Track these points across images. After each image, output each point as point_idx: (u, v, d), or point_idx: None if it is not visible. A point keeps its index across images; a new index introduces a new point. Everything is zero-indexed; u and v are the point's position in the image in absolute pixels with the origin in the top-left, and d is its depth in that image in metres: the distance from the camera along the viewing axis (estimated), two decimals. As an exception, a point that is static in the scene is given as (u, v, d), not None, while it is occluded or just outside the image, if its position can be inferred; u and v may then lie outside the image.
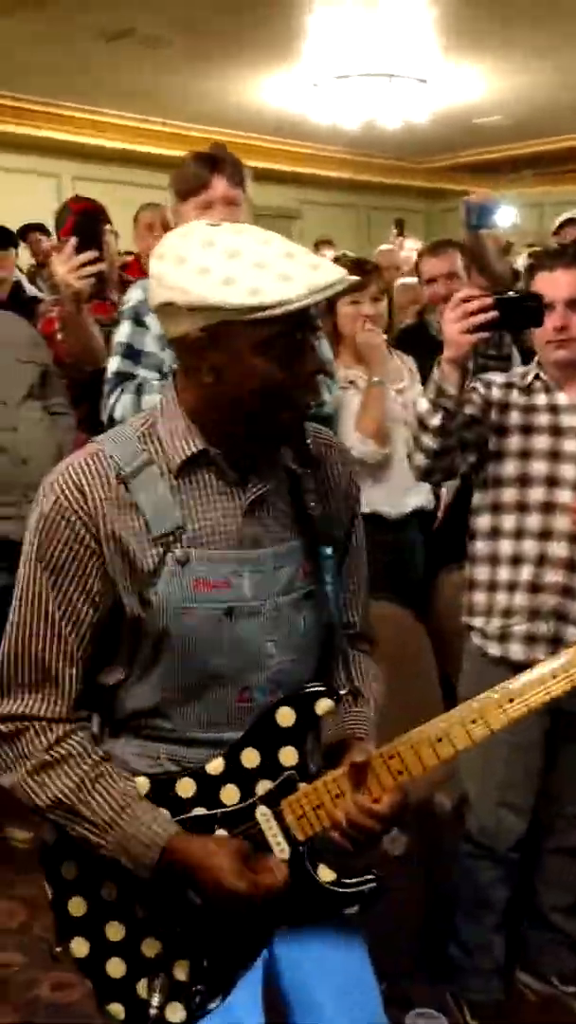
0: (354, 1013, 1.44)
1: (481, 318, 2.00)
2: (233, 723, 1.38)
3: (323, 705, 1.37)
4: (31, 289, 5.41)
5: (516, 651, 2.21)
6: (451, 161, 11.95)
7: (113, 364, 2.54)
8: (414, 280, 4.63)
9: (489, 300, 2.00)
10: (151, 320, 2.50)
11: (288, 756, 1.37)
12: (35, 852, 1.50)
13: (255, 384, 1.28)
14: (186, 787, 1.37)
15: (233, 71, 8.00)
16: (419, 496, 3.20)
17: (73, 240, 2.60)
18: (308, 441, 1.45)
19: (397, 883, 2.45)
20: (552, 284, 2.17)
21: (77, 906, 1.41)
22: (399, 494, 3.12)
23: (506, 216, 3.64)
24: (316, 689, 1.38)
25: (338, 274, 1.25)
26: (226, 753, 1.37)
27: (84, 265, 2.58)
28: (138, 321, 2.53)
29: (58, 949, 1.44)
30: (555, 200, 9.80)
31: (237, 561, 1.35)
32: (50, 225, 7.00)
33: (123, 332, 2.55)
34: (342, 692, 1.41)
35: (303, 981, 1.45)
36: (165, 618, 1.32)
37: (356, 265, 3.18)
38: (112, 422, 2.51)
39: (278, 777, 1.37)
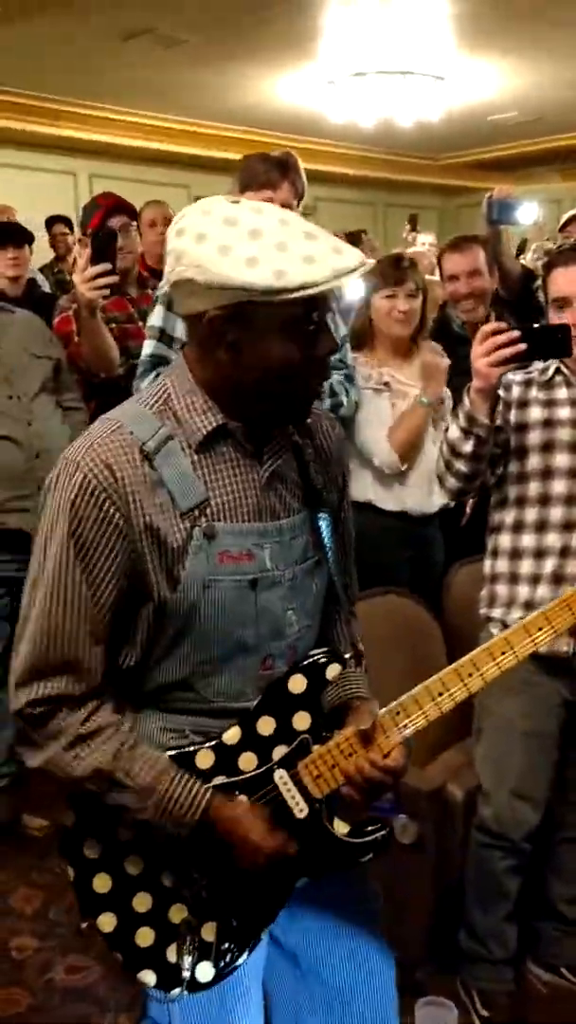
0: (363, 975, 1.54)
1: (510, 351, 2.02)
2: (256, 691, 1.43)
3: (332, 670, 1.45)
4: (45, 285, 5.45)
5: None
6: (466, 158, 11.93)
7: (148, 347, 2.64)
8: (434, 278, 4.65)
9: (516, 333, 2.02)
10: None
11: (301, 720, 1.44)
12: (50, 839, 1.53)
13: (272, 364, 1.29)
14: (205, 758, 1.42)
15: (249, 69, 8.02)
16: (442, 495, 3.22)
17: (87, 252, 2.68)
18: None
19: (407, 872, 2.48)
20: (568, 279, 2.17)
21: (102, 883, 1.44)
22: (426, 493, 3.15)
23: (528, 213, 3.62)
24: (324, 656, 1.46)
25: (360, 258, 1.26)
26: (242, 722, 1.42)
27: (98, 276, 2.66)
28: (171, 306, 2.58)
29: (84, 925, 1.47)
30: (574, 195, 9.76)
31: (258, 533, 1.38)
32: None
33: (157, 316, 2.64)
34: (347, 656, 1.49)
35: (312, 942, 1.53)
36: (193, 592, 1.34)
37: (392, 261, 3.19)
38: None
39: (293, 741, 1.43)
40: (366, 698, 1.48)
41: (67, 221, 7.00)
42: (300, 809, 1.43)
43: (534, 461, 2.24)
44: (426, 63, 7.69)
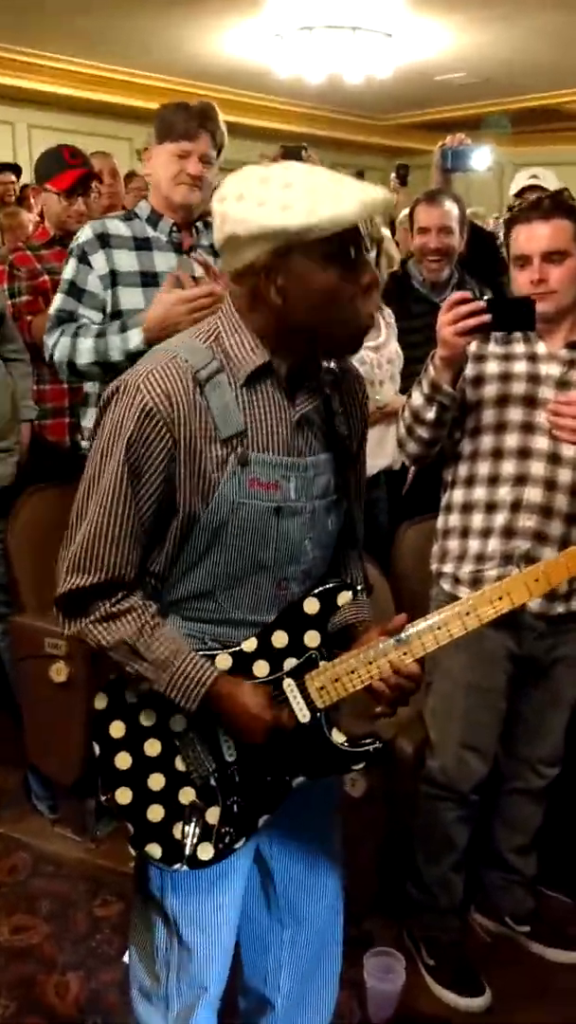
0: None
1: (475, 322, 2.03)
2: (271, 608, 1.59)
3: (344, 596, 1.61)
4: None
5: None
6: (413, 119, 11.84)
7: (57, 301, 2.60)
8: (385, 234, 4.60)
9: (482, 304, 2.03)
10: (96, 258, 2.52)
11: (312, 639, 1.60)
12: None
13: (321, 298, 1.41)
14: (223, 661, 1.58)
15: (195, 19, 7.83)
16: (384, 458, 3.21)
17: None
18: (332, 367, 1.62)
19: (357, 824, 2.49)
20: (529, 237, 2.16)
21: (123, 761, 1.60)
22: (368, 456, 3.12)
23: (482, 159, 3.59)
24: (337, 584, 1.61)
25: (383, 192, 1.39)
26: (259, 634, 1.59)
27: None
28: (83, 259, 2.55)
29: (104, 798, 1.63)
30: (518, 161, 9.76)
31: (286, 466, 1.53)
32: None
33: (69, 269, 2.58)
34: (359, 587, 1.65)
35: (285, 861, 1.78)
36: (223, 512, 1.49)
37: None
38: (52, 362, 2.53)
39: (303, 655, 1.59)
40: (369, 621, 1.66)
41: (14, 168, 6.83)
42: (303, 714, 1.58)
43: (488, 415, 2.23)
44: (375, 19, 7.59)
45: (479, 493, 2.25)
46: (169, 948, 1.70)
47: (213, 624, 1.58)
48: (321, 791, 1.73)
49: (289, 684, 1.58)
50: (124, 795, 1.61)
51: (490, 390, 2.23)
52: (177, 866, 1.59)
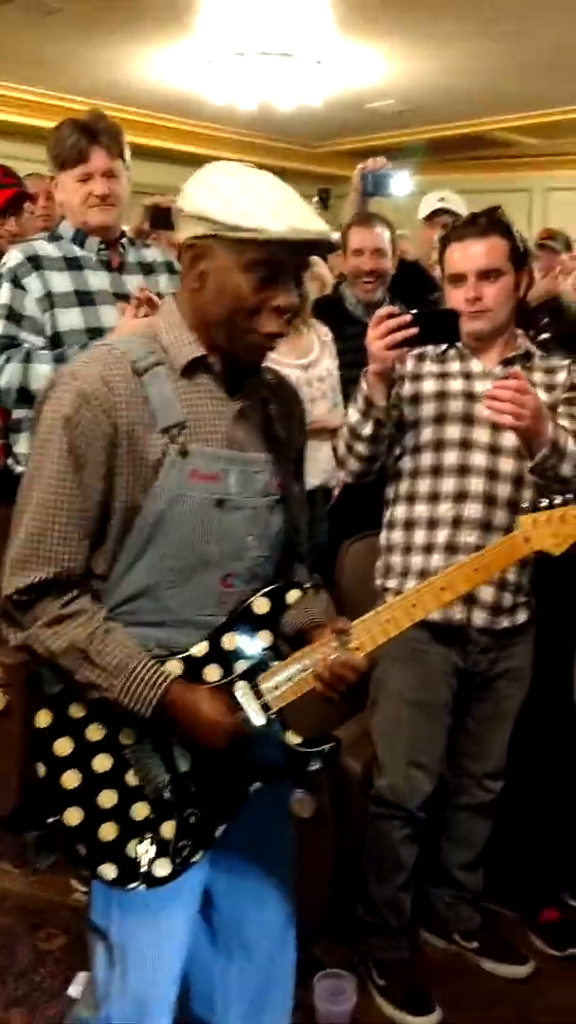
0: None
1: (402, 335, 2.05)
2: (216, 607, 1.57)
3: (293, 595, 1.61)
4: None
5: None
6: (343, 146, 11.98)
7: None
8: (313, 258, 4.64)
9: (408, 318, 2.05)
10: (30, 281, 2.49)
11: (262, 639, 1.59)
12: None
13: (228, 297, 1.45)
14: (174, 667, 1.55)
15: (124, 42, 7.83)
16: (317, 476, 3.22)
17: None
18: (270, 377, 1.68)
19: (306, 846, 2.47)
20: (463, 255, 2.20)
21: (71, 778, 1.55)
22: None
23: (402, 185, 3.63)
24: (286, 583, 1.62)
25: (323, 229, 1.43)
26: (209, 637, 1.57)
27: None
28: (16, 283, 2.51)
29: (49, 820, 1.57)
30: (445, 187, 9.93)
31: (227, 459, 1.54)
32: None
33: (3, 294, 2.52)
34: (307, 586, 1.64)
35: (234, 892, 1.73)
36: (163, 503, 1.49)
37: None
38: None
39: (254, 657, 1.58)
40: (320, 619, 1.66)
41: None
42: (258, 717, 1.56)
43: (427, 433, 2.25)
44: (306, 46, 7.66)
45: (420, 510, 2.26)
46: (110, 980, 1.63)
47: (157, 627, 1.55)
48: (270, 820, 1.71)
49: (242, 687, 1.57)
50: (74, 815, 1.54)
51: (428, 408, 2.25)
52: (133, 885, 1.53)
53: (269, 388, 1.65)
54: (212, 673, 1.57)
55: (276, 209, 1.40)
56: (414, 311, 2.10)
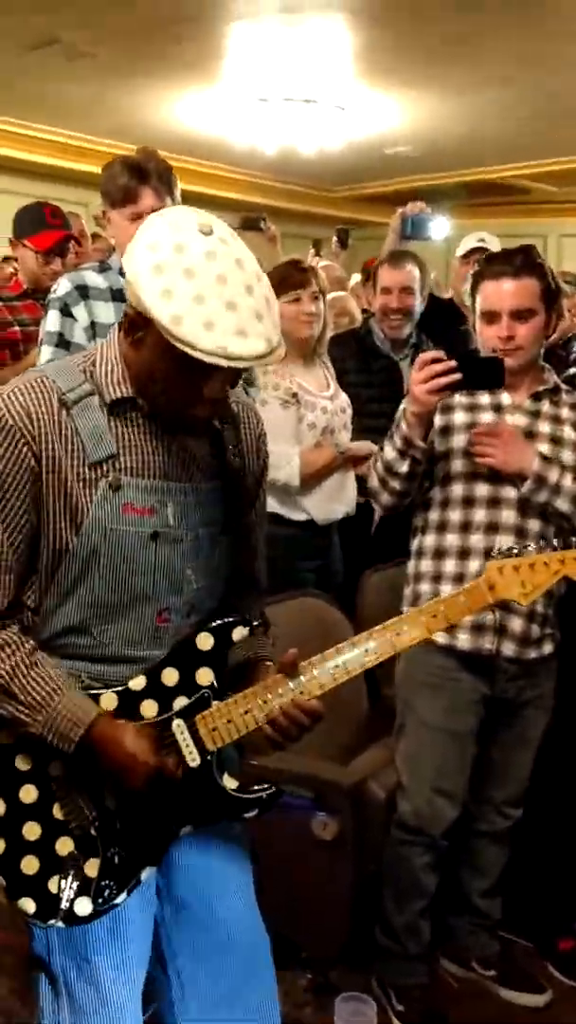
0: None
1: (446, 380, 2.09)
2: (151, 642, 1.52)
3: (239, 632, 1.55)
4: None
5: (463, 640, 2.28)
6: (362, 191, 12.19)
7: (46, 353, 2.57)
8: (342, 293, 4.75)
9: (453, 363, 2.09)
10: (79, 311, 2.54)
11: (204, 676, 1.53)
12: None
13: (159, 377, 1.41)
14: (109, 701, 1.51)
15: (153, 88, 8.01)
16: (344, 504, 3.27)
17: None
18: (232, 401, 1.57)
19: (326, 870, 2.50)
20: (498, 294, 2.24)
21: None
22: (328, 502, 3.21)
23: (439, 229, 3.75)
24: (232, 619, 1.55)
25: (255, 351, 1.33)
26: (148, 671, 1.52)
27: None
28: (66, 312, 2.56)
29: None
30: (466, 234, 10.07)
31: (163, 491, 1.48)
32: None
33: (52, 321, 2.58)
34: (255, 623, 1.59)
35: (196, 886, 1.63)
36: (95, 538, 1.44)
37: (292, 265, 3.23)
38: None
39: (194, 694, 1.53)
40: (268, 659, 1.62)
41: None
42: (192, 758, 1.51)
43: (458, 464, 2.30)
44: (329, 93, 7.85)
45: (451, 539, 2.30)
46: (57, 1010, 1.57)
47: (89, 661, 1.51)
48: (223, 840, 1.64)
49: (179, 725, 1.51)
50: None
51: (458, 440, 2.30)
52: (52, 922, 1.48)
53: (225, 415, 1.57)
54: (149, 708, 1.51)
55: (212, 319, 1.30)
56: (459, 356, 2.13)
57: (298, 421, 3.13)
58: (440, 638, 2.26)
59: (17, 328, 3.44)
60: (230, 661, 1.57)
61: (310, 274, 3.16)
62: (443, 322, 3.73)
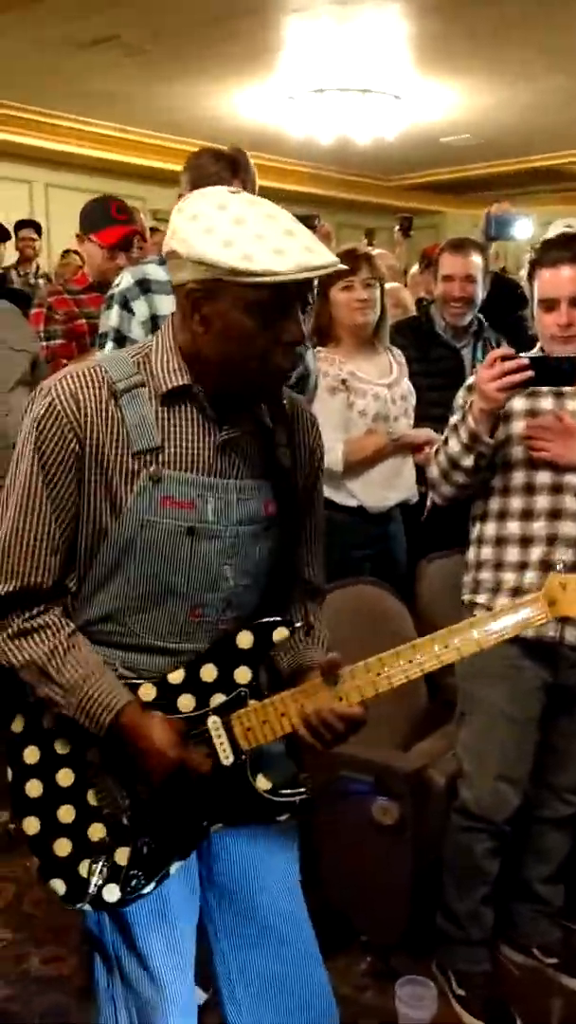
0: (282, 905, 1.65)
1: (518, 378, 2.09)
2: (185, 636, 1.52)
3: (279, 633, 1.53)
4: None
5: None
6: (418, 179, 12.14)
7: (107, 349, 2.59)
8: (395, 284, 4.74)
9: (525, 361, 2.09)
10: (138, 305, 2.56)
11: (242, 675, 1.53)
12: (19, 832, 1.59)
13: (235, 340, 1.39)
14: (147, 691, 1.51)
15: (209, 82, 8.07)
16: (400, 491, 3.26)
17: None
18: (284, 401, 1.58)
19: (386, 855, 2.51)
20: (556, 281, 2.22)
21: (34, 788, 1.54)
22: (380, 489, 3.20)
23: (523, 229, 3.75)
24: (274, 619, 1.53)
25: (329, 259, 1.35)
26: (187, 665, 1.52)
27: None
28: (125, 306, 2.58)
29: (11, 826, 1.54)
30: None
31: (204, 487, 1.48)
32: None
33: (112, 318, 2.60)
34: (297, 625, 1.58)
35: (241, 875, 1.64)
36: (131, 529, 1.45)
37: (346, 253, 3.22)
38: None
39: (231, 692, 1.52)
40: (310, 663, 1.59)
41: (36, 226, 7.04)
42: (226, 756, 1.51)
43: (518, 451, 2.29)
44: (384, 82, 7.83)
45: (512, 527, 2.30)
46: (111, 985, 1.62)
47: (122, 650, 1.52)
48: (268, 831, 1.63)
49: (215, 722, 1.51)
50: (31, 825, 1.53)
51: (518, 426, 2.29)
52: (79, 905, 1.52)
53: (278, 415, 1.57)
54: (186, 703, 1.51)
55: (279, 246, 1.33)
56: (531, 356, 2.12)
57: (347, 408, 3.12)
58: (502, 625, 2.25)
59: (83, 321, 3.47)
60: (280, 667, 1.59)
61: (362, 261, 3.14)
62: (505, 307, 3.71)
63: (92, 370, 1.46)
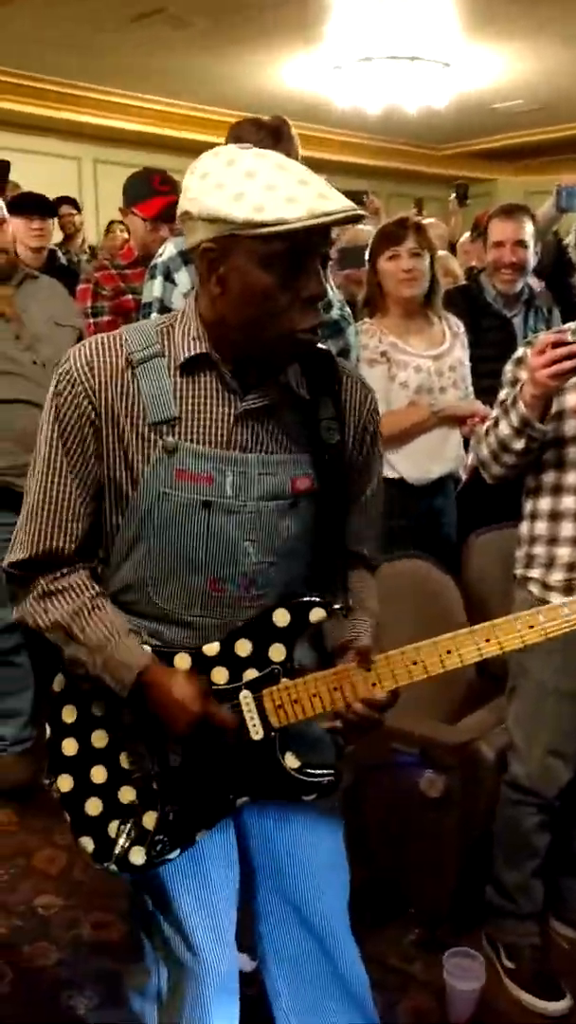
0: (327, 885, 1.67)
1: (571, 364, 2.04)
2: (204, 608, 1.52)
3: (316, 614, 1.51)
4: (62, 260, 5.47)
5: None
6: (470, 147, 11.94)
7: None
8: (443, 253, 4.68)
9: None
10: (180, 276, 2.54)
11: (277, 652, 1.52)
12: None
13: (254, 297, 1.35)
14: (181, 661, 1.52)
15: (256, 53, 8.01)
16: (444, 464, 3.22)
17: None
18: (337, 372, 1.54)
19: (433, 828, 2.51)
20: None
21: (70, 747, 1.57)
22: (423, 461, 3.16)
23: None
24: (313, 599, 1.51)
25: (343, 205, 1.29)
26: (223, 639, 1.52)
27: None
28: (168, 277, 2.57)
29: (46, 782, 1.62)
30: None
31: (221, 460, 1.45)
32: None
33: (156, 288, 2.59)
34: (336, 606, 1.53)
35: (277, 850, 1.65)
36: (149, 500, 1.45)
37: (396, 222, 3.18)
38: None
39: (264, 669, 1.52)
40: (351, 644, 1.57)
41: (73, 202, 7.05)
42: (256, 731, 1.51)
43: (572, 424, 2.24)
44: (433, 49, 7.70)
45: (568, 502, 2.25)
46: (155, 951, 1.68)
47: (145, 619, 1.53)
48: (308, 814, 1.63)
49: (246, 696, 1.51)
50: (65, 782, 1.57)
51: (571, 400, 2.24)
52: (106, 865, 1.55)
53: (324, 385, 1.52)
54: (219, 675, 1.52)
55: (290, 194, 1.28)
56: None
57: (389, 380, 3.08)
58: (557, 599, 2.21)
59: (131, 296, 3.47)
60: (329, 637, 1.58)
61: (409, 230, 3.08)
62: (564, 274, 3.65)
63: (111, 338, 1.47)
